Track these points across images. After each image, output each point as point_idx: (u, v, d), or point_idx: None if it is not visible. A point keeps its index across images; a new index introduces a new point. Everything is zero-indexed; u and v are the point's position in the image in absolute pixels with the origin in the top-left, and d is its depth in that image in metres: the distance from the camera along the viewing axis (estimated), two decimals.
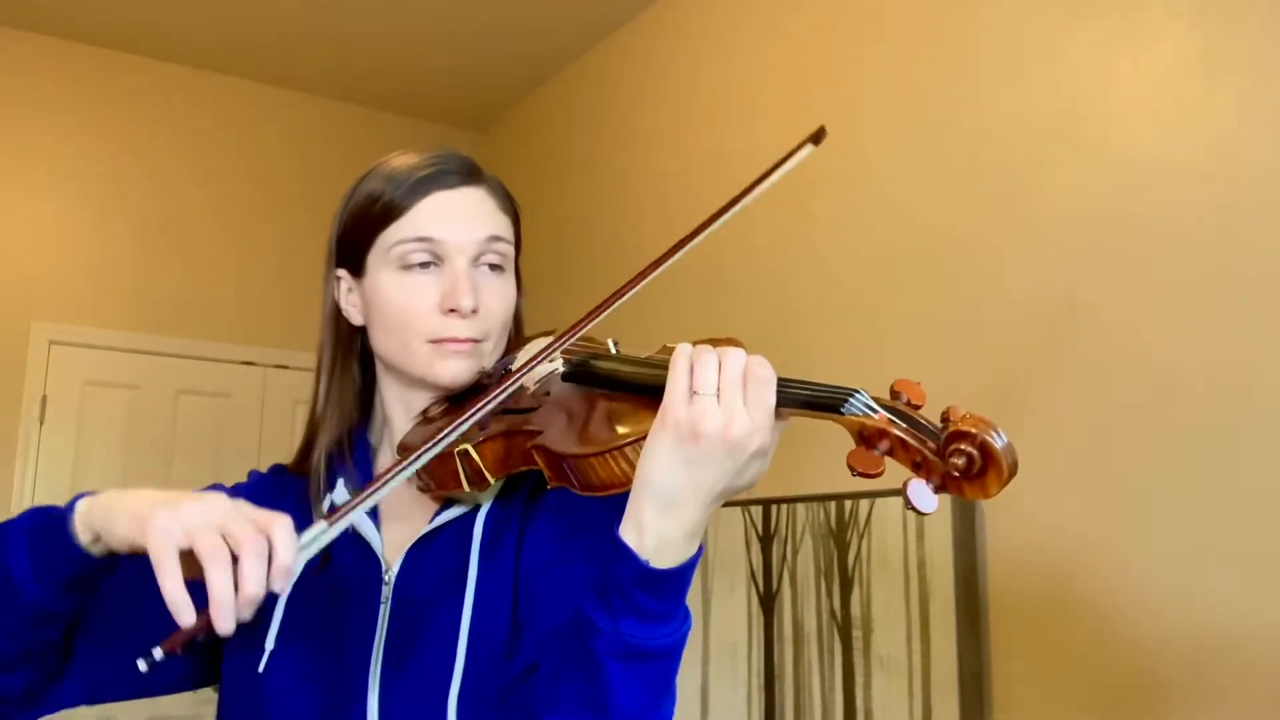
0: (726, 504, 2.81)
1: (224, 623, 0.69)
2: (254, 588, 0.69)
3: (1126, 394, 1.94)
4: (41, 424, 3.57)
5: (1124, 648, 1.88)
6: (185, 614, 0.69)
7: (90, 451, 3.65)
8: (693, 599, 2.77)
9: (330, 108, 4.26)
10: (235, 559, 0.70)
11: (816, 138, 0.86)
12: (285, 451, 4.27)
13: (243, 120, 4.08)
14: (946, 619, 2.11)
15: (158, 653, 0.69)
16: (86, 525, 0.78)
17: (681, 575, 0.75)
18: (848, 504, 2.39)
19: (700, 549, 0.76)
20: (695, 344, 0.77)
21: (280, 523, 0.72)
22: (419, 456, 0.81)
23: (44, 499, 3.52)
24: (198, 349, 3.85)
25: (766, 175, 0.85)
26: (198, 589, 0.70)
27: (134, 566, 0.92)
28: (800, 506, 2.52)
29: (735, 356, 0.73)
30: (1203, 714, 1.75)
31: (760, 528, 2.63)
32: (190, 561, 0.70)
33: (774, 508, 2.59)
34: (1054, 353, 2.07)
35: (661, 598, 0.75)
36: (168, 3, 3.56)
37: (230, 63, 3.98)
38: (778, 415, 0.74)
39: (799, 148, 0.86)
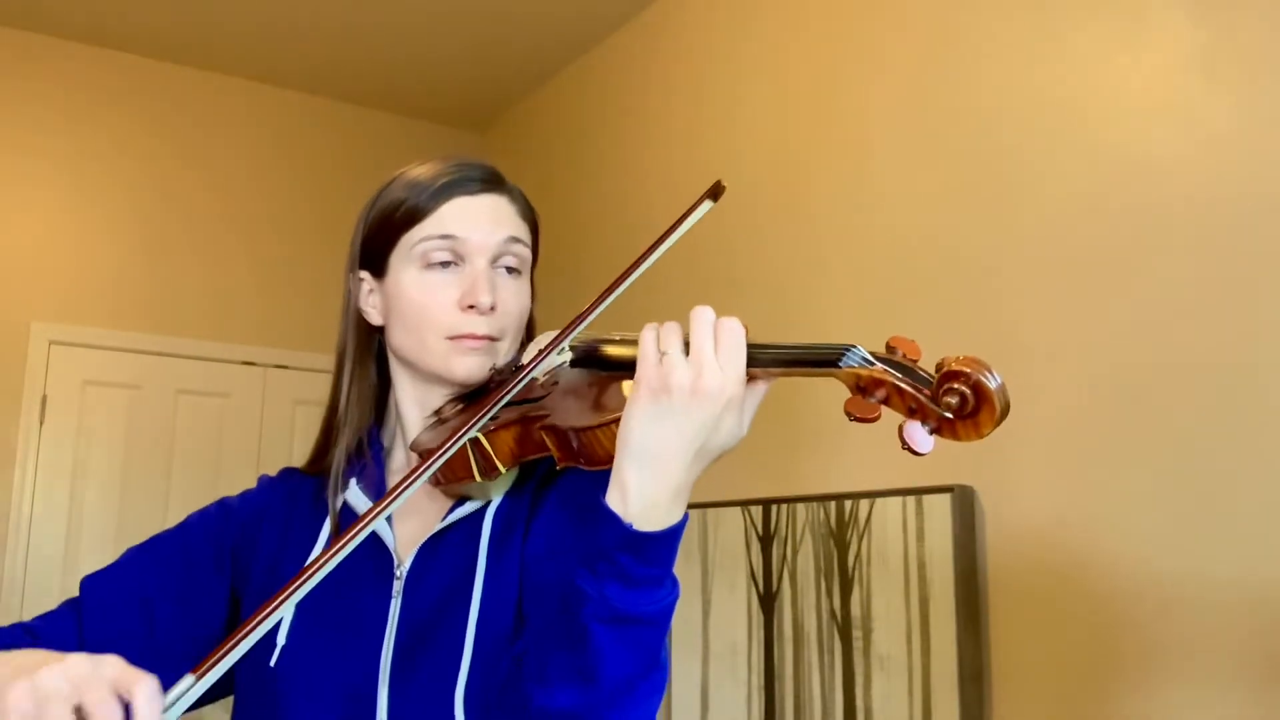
0: (726, 504, 2.81)
1: None
2: None
3: (1125, 393, 1.94)
4: (41, 424, 3.57)
5: (1124, 647, 1.88)
6: None
7: (90, 451, 3.65)
8: (693, 599, 2.77)
9: (330, 107, 4.27)
10: None
11: (714, 194, 0.90)
12: (285, 451, 4.27)
13: (243, 120, 4.08)
14: (946, 619, 2.12)
15: None
16: None
17: (666, 540, 0.76)
18: (848, 504, 2.39)
19: (685, 517, 0.78)
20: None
21: (143, 685, 0.68)
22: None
23: (44, 499, 3.55)
24: (198, 349, 3.85)
25: (674, 228, 0.90)
26: None
27: (135, 617, 0.94)
28: (800, 506, 2.52)
29: (703, 313, 0.77)
30: (1203, 711, 1.75)
31: (760, 528, 2.63)
32: None
33: (774, 508, 2.60)
34: (1054, 350, 2.07)
35: (647, 562, 0.76)
36: (168, 3, 3.56)
37: (231, 62, 3.98)
38: (765, 375, 0.77)
39: (698, 203, 0.90)
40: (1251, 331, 1.77)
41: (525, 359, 0.95)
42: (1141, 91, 1.99)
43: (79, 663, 0.68)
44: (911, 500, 2.23)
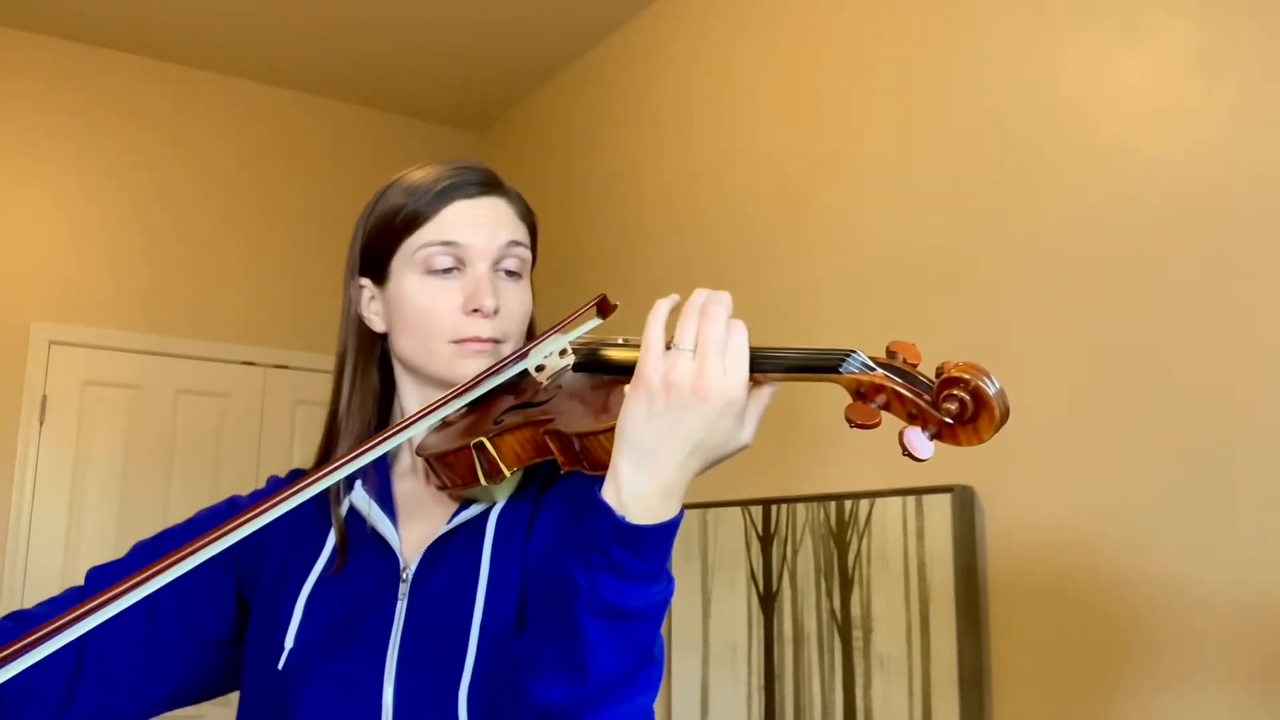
0: (726, 504, 2.79)
1: None
2: None
3: (1125, 394, 1.94)
4: (41, 424, 3.57)
5: (1124, 647, 1.88)
6: None
7: (90, 451, 3.65)
8: (693, 599, 2.77)
9: (330, 108, 4.27)
10: None
11: (602, 310, 0.94)
12: (285, 451, 4.26)
13: (243, 120, 4.08)
14: (946, 619, 2.12)
15: None
16: None
17: (660, 534, 0.76)
18: (848, 504, 2.39)
19: (681, 513, 0.78)
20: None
21: None
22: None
23: (44, 499, 3.55)
24: (198, 349, 3.85)
25: (554, 329, 0.94)
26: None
27: (138, 610, 0.93)
28: (800, 506, 2.52)
29: (717, 308, 0.76)
30: (1203, 711, 1.75)
31: (760, 528, 2.63)
32: None
33: (774, 508, 2.60)
34: (1053, 351, 2.07)
35: (640, 555, 0.76)
36: (167, 3, 3.56)
37: (231, 63, 3.98)
38: (767, 380, 0.77)
39: (583, 310, 0.93)
40: (1252, 332, 1.77)
41: (530, 362, 0.96)
42: (1141, 92, 1.99)
43: None
44: (911, 500, 2.23)
